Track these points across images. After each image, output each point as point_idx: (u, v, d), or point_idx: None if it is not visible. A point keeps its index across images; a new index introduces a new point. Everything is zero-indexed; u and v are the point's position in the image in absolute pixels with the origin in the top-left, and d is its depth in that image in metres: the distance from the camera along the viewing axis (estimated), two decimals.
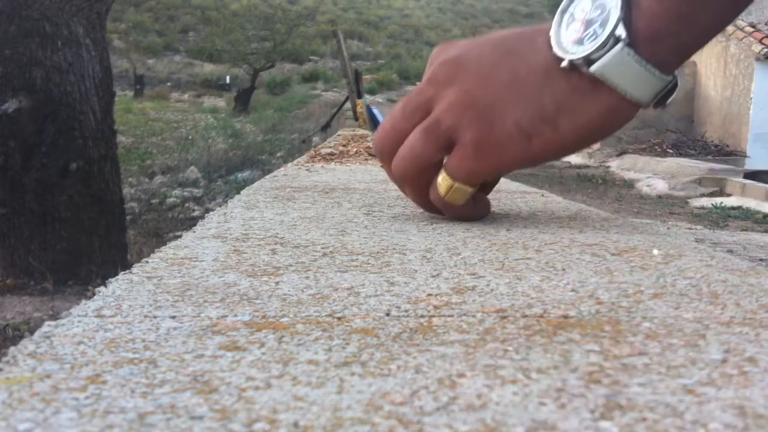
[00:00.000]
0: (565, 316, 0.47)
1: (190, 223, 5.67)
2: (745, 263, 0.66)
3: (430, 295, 0.53)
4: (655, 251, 0.69)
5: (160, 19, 31.87)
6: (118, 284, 0.55)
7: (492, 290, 0.55)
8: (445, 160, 0.72)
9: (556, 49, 0.63)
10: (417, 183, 0.73)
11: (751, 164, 10.43)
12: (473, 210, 0.78)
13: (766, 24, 11.42)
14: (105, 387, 0.34)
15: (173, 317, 0.46)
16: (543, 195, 1.38)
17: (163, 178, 8.95)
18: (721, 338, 0.43)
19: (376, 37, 34.06)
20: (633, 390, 0.34)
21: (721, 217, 6.96)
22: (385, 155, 0.74)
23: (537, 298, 0.53)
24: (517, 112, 0.63)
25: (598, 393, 0.34)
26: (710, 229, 6.27)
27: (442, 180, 0.70)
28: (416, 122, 0.69)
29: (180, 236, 0.76)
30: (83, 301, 0.49)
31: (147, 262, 0.64)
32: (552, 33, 0.64)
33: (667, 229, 5.86)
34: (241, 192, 1.26)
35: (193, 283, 0.56)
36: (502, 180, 1.65)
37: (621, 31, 0.60)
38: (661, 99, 0.67)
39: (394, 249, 0.71)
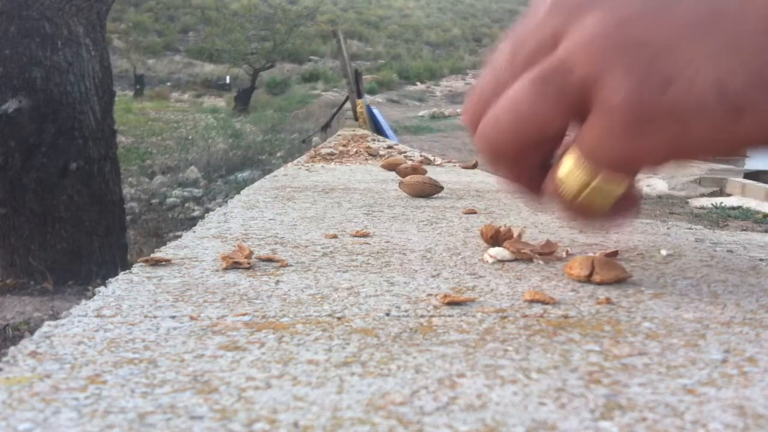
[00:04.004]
0: (565, 316, 0.47)
1: (190, 223, 5.67)
2: (745, 263, 0.66)
3: (430, 295, 0.53)
4: (663, 251, 0.69)
5: (160, 19, 31.88)
6: (118, 284, 0.54)
7: (492, 290, 0.55)
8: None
9: None
10: (519, 162, 0.46)
11: (751, 164, 10.43)
12: (618, 212, 0.49)
13: None
14: (105, 387, 0.34)
15: (173, 317, 0.46)
16: None
17: (163, 178, 8.95)
18: (721, 338, 0.43)
19: (376, 37, 34.07)
20: (633, 390, 0.34)
21: (721, 217, 6.96)
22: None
23: (537, 298, 0.53)
24: (719, 67, 0.37)
25: (598, 393, 0.34)
26: (710, 229, 6.27)
27: (571, 169, 0.43)
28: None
29: (180, 236, 0.76)
30: (83, 301, 0.49)
31: (146, 261, 0.64)
32: None
33: (667, 229, 5.86)
34: (241, 192, 1.26)
35: (193, 283, 0.56)
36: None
37: None
38: None
39: (394, 249, 0.71)
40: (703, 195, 8.51)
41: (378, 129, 9.13)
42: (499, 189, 1.29)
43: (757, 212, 7.13)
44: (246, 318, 0.46)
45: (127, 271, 0.59)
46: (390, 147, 2.85)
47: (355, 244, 0.74)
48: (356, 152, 2.41)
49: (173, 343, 0.41)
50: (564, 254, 0.70)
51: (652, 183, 9.25)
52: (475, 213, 1.06)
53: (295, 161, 2.08)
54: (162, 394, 0.33)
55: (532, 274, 0.61)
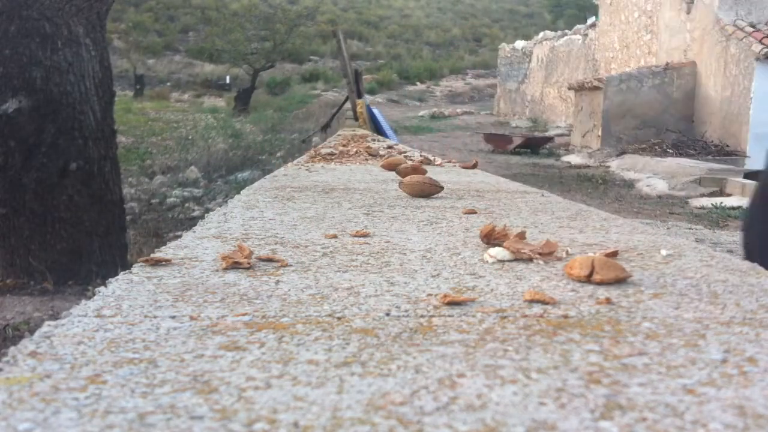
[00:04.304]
0: (565, 316, 0.47)
1: (190, 223, 5.66)
2: (745, 263, 0.66)
3: (430, 295, 0.53)
4: (663, 251, 0.69)
5: (160, 19, 31.87)
6: (118, 284, 0.55)
7: (492, 290, 0.55)
8: None
9: None
10: None
11: (751, 164, 10.42)
12: None
13: (766, 24, 11.41)
14: (105, 387, 0.34)
15: (173, 317, 0.46)
16: (543, 195, 1.38)
17: (163, 178, 8.94)
18: (721, 338, 0.43)
19: (376, 37, 34.07)
20: (633, 390, 0.34)
21: (721, 217, 6.96)
22: None
23: (536, 298, 0.53)
24: None
25: (598, 393, 0.34)
26: (710, 229, 6.27)
27: None
28: None
29: (180, 236, 0.76)
30: (83, 301, 0.49)
31: (146, 261, 0.64)
32: None
33: (667, 229, 5.86)
34: (241, 192, 1.26)
35: (193, 283, 0.56)
36: (502, 180, 1.65)
37: None
38: None
39: (394, 249, 0.72)
40: (703, 195, 8.51)
41: (378, 129, 9.13)
42: (498, 189, 1.30)
43: None
44: (246, 318, 0.46)
45: (127, 271, 0.59)
46: (390, 147, 2.85)
47: (355, 244, 0.74)
48: (356, 152, 2.41)
49: (173, 343, 0.41)
50: (564, 254, 0.70)
51: (652, 183, 9.25)
52: (475, 213, 1.06)
53: (295, 161, 2.08)
54: (162, 394, 0.33)
55: (532, 274, 0.61)
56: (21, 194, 4.00)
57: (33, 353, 0.38)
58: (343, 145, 2.85)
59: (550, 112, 18.89)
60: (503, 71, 22.53)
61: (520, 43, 21.88)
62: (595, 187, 9.28)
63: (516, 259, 0.67)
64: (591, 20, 17.83)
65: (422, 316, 0.46)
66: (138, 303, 0.49)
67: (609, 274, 0.55)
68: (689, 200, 8.30)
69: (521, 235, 0.76)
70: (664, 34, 13.59)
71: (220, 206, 1.00)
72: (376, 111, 10.23)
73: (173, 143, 12.07)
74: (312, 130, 13.43)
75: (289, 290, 0.53)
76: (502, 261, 0.66)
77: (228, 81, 25.79)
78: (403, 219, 0.89)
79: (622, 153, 11.94)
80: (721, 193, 8.58)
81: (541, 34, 20.68)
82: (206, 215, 0.89)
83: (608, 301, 0.50)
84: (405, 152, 2.52)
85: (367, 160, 2.13)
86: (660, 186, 9.08)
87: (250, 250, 0.63)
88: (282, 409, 0.31)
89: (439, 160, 2.21)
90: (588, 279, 0.56)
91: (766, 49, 10.78)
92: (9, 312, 3.59)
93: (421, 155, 2.28)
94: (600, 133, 12.81)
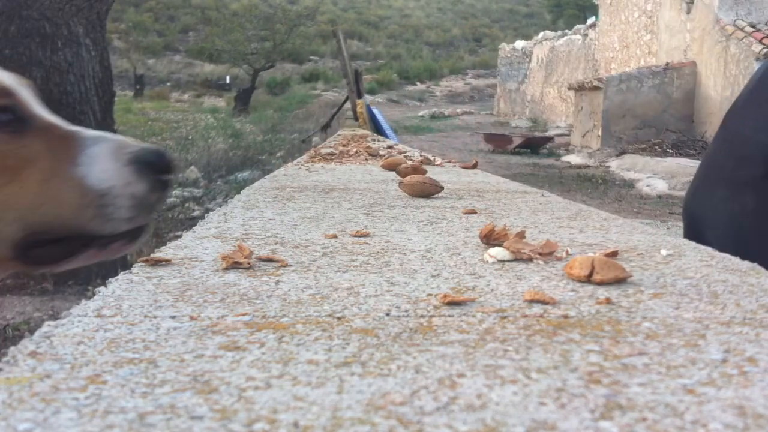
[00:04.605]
0: (565, 316, 0.47)
1: (190, 223, 5.66)
2: (745, 263, 0.66)
3: (430, 295, 0.53)
4: (663, 251, 0.69)
5: (160, 19, 31.88)
6: (118, 284, 0.55)
7: (492, 290, 0.55)
8: None
9: None
10: None
11: None
12: None
13: (766, 24, 11.42)
14: (105, 387, 0.34)
15: (173, 317, 0.47)
16: (543, 195, 1.38)
17: None
18: (721, 338, 0.43)
19: (376, 37, 34.07)
20: (633, 390, 0.34)
21: None
22: None
23: (536, 298, 0.53)
24: None
25: (598, 393, 0.34)
26: None
27: None
28: None
29: (180, 236, 0.76)
30: (83, 301, 0.49)
31: (146, 261, 0.64)
32: None
33: (667, 229, 5.86)
34: (241, 192, 1.26)
35: (193, 283, 0.56)
36: (502, 180, 1.65)
37: None
38: None
39: (394, 249, 0.72)
40: None
41: (378, 129, 9.13)
42: (498, 189, 1.30)
43: None
44: (246, 318, 0.46)
45: (127, 271, 0.59)
46: (390, 147, 2.85)
47: (355, 244, 0.74)
48: (356, 152, 2.41)
49: (173, 343, 0.41)
50: (564, 254, 0.70)
51: (652, 183, 9.25)
52: (475, 213, 1.06)
53: (295, 161, 2.08)
54: (162, 394, 0.33)
55: (532, 274, 0.61)
56: None
57: (33, 353, 0.38)
58: (343, 145, 2.85)
59: (550, 112, 18.89)
60: (503, 71, 22.53)
61: (520, 43, 21.87)
62: (595, 187, 9.27)
63: (516, 259, 0.67)
64: (591, 20, 17.83)
65: (422, 316, 0.46)
66: (138, 303, 0.49)
67: (609, 274, 0.55)
68: None
69: (521, 235, 0.76)
70: (664, 34, 13.59)
71: (220, 206, 1.00)
72: (376, 111, 10.23)
73: (173, 143, 12.07)
74: (312, 130, 13.43)
75: (289, 290, 0.53)
76: (502, 261, 0.66)
77: (228, 81, 25.79)
78: (403, 219, 0.89)
79: (622, 153, 11.94)
80: None
81: (541, 34, 20.67)
82: (206, 215, 0.89)
83: (608, 301, 0.50)
84: (405, 152, 2.52)
85: (367, 160, 2.13)
86: (660, 186, 9.08)
87: (250, 250, 0.64)
88: (282, 409, 0.31)
89: (439, 160, 2.21)
90: (588, 279, 0.56)
91: (766, 49, 10.78)
92: (9, 312, 3.59)
93: (421, 155, 2.28)
94: (600, 133, 12.80)
